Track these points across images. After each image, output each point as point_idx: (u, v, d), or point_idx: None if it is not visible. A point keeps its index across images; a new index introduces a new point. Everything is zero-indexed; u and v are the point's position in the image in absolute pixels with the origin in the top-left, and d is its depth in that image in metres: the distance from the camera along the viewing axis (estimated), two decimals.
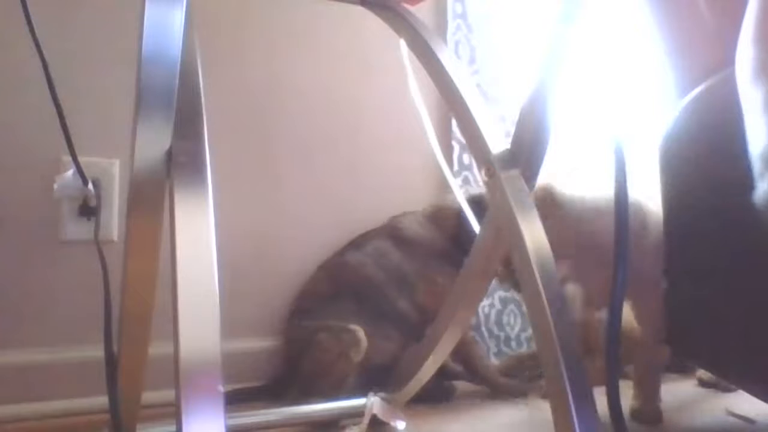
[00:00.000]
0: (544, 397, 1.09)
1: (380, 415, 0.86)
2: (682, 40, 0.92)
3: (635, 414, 0.91)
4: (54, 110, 0.68)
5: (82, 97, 0.99)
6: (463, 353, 1.12)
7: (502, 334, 1.34)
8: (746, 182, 0.73)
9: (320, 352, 0.99)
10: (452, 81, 0.72)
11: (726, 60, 0.79)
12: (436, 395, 1.03)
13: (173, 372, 0.39)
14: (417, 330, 1.06)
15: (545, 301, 0.56)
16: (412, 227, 1.18)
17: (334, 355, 0.98)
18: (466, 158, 1.37)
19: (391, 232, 1.17)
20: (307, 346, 1.01)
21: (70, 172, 0.85)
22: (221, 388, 0.39)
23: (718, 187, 0.77)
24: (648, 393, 0.92)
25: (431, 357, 0.88)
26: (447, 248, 1.14)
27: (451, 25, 1.39)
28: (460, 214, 1.17)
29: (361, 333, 1.01)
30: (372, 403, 0.88)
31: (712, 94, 0.81)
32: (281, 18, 1.22)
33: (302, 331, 1.05)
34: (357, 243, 1.16)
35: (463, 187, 1.33)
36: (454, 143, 1.36)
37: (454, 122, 1.35)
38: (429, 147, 0.92)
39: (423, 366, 0.90)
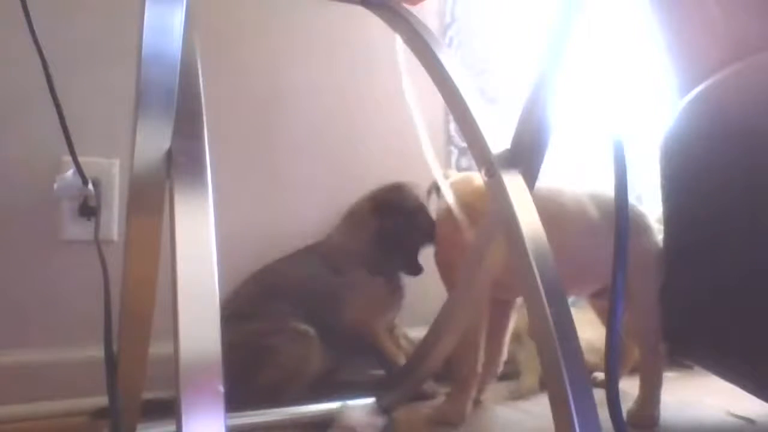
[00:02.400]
0: (543, 388, 1.09)
1: (358, 428, 0.79)
2: (685, 36, 0.92)
3: (628, 417, 0.90)
4: (54, 110, 0.68)
5: (82, 97, 0.99)
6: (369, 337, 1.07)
7: None
8: (747, 182, 0.73)
9: (279, 356, 0.95)
10: (452, 81, 0.72)
11: (733, 55, 0.79)
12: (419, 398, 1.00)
13: (173, 372, 0.39)
14: (344, 347, 1.03)
15: (545, 301, 0.56)
16: (334, 239, 1.14)
17: (294, 359, 0.96)
18: (465, 162, 1.37)
19: (314, 247, 1.12)
20: (257, 350, 0.95)
21: (70, 172, 0.85)
22: (221, 388, 0.39)
23: (719, 188, 0.77)
24: (642, 398, 0.92)
25: (430, 359, 0.88)
26: (368, 252, 1.10)
27: (451, 28, 1.39)
28: (375, 209, 1.12)
29: (311, 330, 0.98)
30: (346, 412, 0.82)
31: (714, 94, 0.81)
32: (281, 18, 1.22)
33: (246, 336, 0.98)
34: (286, 257, 1.11)
35: None
36: (452, 148, 1.36)
37: (452, 127, 1.35)
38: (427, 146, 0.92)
39: (422, 368, 0.90)
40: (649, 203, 1.18)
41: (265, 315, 1.00)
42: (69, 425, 0.92)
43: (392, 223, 1.12)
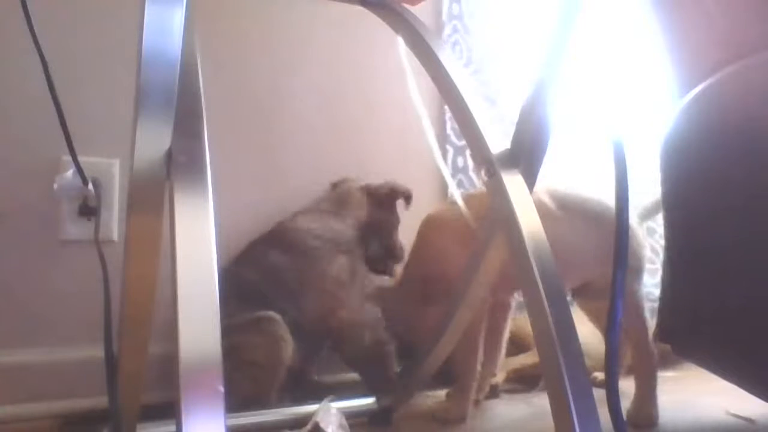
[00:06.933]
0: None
1: (324, 427, 0.75)
2: (685, 35, 0.91)
3: (627, 417, 0.90)
4: (54, 110, 0.69)
5: (82, 97, 0.99)
6: (336, 332, 0.99)
7: None
8: (747, 182, 0.73)
9: (254, 354, 0.88)
10: (452, 81, 0.72)
11: (733, 55, 0.79)
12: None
13: (173, 372, 0.39)
14: (311, 340, 0.98)
15: (545, 301, 0.56)
16: (303, 226, 1.06)
17: (264, 355, 0.89)
18: (461, 161, 1.37)
19: (277, 236, 1.04)
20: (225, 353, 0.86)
21: (70, 172, 0.85)
22: (221, 388, 0.39)
23: (719, 189, 0.77)
24: (639, 397, 0.92)
25: (428, 361, 0.88)
26: (350, 238, 1.07)
27: (448, 27, 1.39)
28: (370, 198, 1.13)
29: (276, 316, 0.91)
30: (320, 412, 0.78)
31: (715, 93, 0.81)
32: (281, 17, 1.22)
33: None
34: (242, 252, 1.03)
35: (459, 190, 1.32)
36: (448, 146, 1.36)
37: (448, 125, 1.35)
38: (428, 148, 0.92)
39: (421, 369, 0.90)
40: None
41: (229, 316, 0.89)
42: (69, 425, 0.92)
43: (381, 216, 1.12)
